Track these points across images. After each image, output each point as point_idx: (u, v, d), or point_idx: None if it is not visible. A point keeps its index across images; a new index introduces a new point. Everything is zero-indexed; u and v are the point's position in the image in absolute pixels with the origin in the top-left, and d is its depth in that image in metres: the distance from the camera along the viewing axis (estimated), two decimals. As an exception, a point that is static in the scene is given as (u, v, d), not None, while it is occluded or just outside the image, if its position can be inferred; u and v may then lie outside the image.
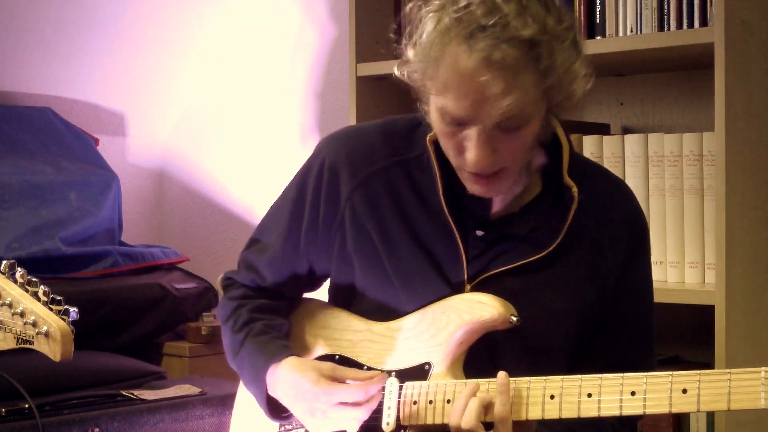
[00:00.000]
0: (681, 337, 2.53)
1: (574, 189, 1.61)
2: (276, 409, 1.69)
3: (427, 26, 1.48)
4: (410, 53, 1.53)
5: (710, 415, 2.25)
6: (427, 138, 1.64)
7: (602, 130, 2.54)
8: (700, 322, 2.35)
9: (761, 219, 2.24)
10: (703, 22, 2.25)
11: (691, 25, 2.27)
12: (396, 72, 1.59)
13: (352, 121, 2.74)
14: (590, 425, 1.62)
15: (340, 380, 1.62)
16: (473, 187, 1.57)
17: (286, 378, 1.64)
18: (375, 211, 1.67)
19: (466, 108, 1.47)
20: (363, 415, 1.60)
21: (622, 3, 2.36)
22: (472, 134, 1.49)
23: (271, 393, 1.67)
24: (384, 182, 1.68)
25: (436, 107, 1.52)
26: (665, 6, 2.30)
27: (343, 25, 3.08)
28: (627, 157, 2.36)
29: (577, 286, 1.64)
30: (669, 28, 2.30)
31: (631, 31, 2.35)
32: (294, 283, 1.80)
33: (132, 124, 3.36)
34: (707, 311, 2.17)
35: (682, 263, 2.30)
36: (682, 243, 2.30)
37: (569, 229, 1.61)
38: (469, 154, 1.51)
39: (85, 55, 3.17)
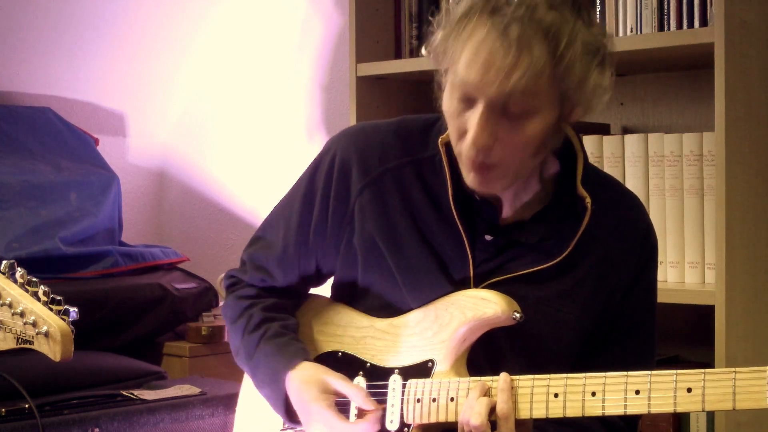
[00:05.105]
0: (681, 337, 2.53)
1: (588, 200, 1.60)
2: (292, 413, 1.68)
3: (459, 6, 1.51)
4: (439, 33, 1.54)
5: (710, 415, 2.25)
6: (439, 140, 1.63)
7: (602, 130, 2.54)
8: (700, 322, 2.35)
9: (761, 219, 2.24)
10: (703, 22, 2.25)
11: (691, 25, 2.27)
12: (423, 52, 1.60)
13: (353, 121, 2.74)
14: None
15: (342, 396, 1.62)
16: (469, 177, 1.56)
17: (295, 387, 1.64)
18: (384, 209, 1.67)
19: (475, 75, 1.47)
20: None
21: (622, 3, 2.36)
22: (475, 111, 1.49)
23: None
24: (395, 181, 1.67)
25: (450, 84, 1.52)
26: (665, 6, 2.30)
27: (344, 25, 3.08)
28: (627, 157, 2.36)
29: (584, 298, 1.64)
30: (669, 28, 2.30)
31: (631, 31, 2.35)
32: (303, 280, 1.79)
33: (132, 124, 3.36)
34: (707, 311, 2.17)
35: (682, 263, 2.30)
36: (682, 243, 2.30)
37: (580, 240, 1.60)
38: (468, 132, 1.50)
39: (85, 55, 3.17)
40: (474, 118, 1.49)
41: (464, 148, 1.52)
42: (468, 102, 1.50)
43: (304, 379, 1.64)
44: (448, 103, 1.54)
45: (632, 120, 2.65)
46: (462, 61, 1.48)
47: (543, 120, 1.50)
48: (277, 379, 1.66)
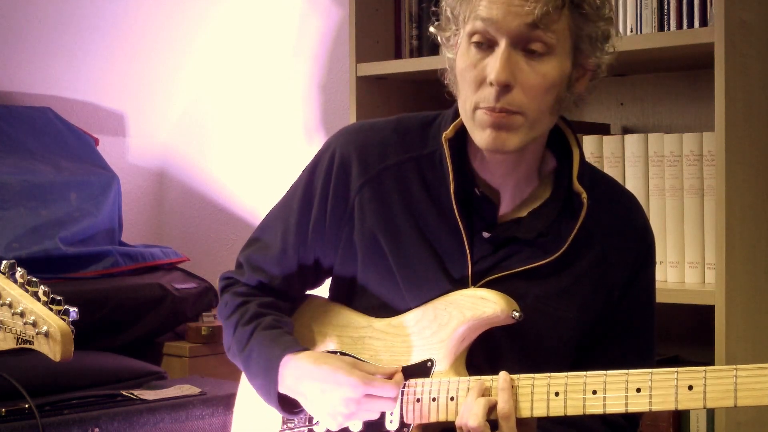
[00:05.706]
0: (681, 337, 2.53)
1: (584, 195, 1.60)
2: (286, 403, 1.67)
3: None
4: (446, 6, 1.59)
5: (710, 414, 2.25)
6: (443, 135, 1.63)
7: (602, 130, 2.54)
8: (700, 322, 2.35)
9: (761, 219, 2.24)
10: (703, 22, 2.25)
11: (691, 25, 2.27)
12: (432, 29, 1.64)
13: (352, 121, 2.73)
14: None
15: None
16: (484, 135, 1.55)
17: (310, 370, 1.61)
18: (383, 206, 1.67)
19: (498, 10, 1.50)
20: (390, 407, 1.60)
21: (622, 3, 2.36)
22: (496, 52, 1.52)
23: (283, 386, 1.64)
24: (395, 178, 1.67)
25: (467, 36, 1.55)
26: (665, 6, 2.30)
27: (344, 25, 3.08)
28: (627, 157, 2.36)
29: (582, 295, 1.64)
30: (669, 28, 2.30)
31: (631, 31, 2.35)
32: (300, 280, 1.78)
33: (132, 124, 3.36)
34: (707, 311, 2.17)
35: (682, 263, 2.30)
36: (682, 243, 2.30)
37: (577, 236, 1.61)
38: (489, 74, 1.52)
39: (85, 55, 3.17)
40: (495, 57, 1.52)
41: (483, 96, 1.53)
42: (487, 49, 1.53)
43: (318, 357, 1.62)
44: (464, 57, 1.56)
45: (632, 120, 2.65)
46: (483, 3, 1.52)
47: (559, 65, 1.53)
48: (271, 367, 1.64)
